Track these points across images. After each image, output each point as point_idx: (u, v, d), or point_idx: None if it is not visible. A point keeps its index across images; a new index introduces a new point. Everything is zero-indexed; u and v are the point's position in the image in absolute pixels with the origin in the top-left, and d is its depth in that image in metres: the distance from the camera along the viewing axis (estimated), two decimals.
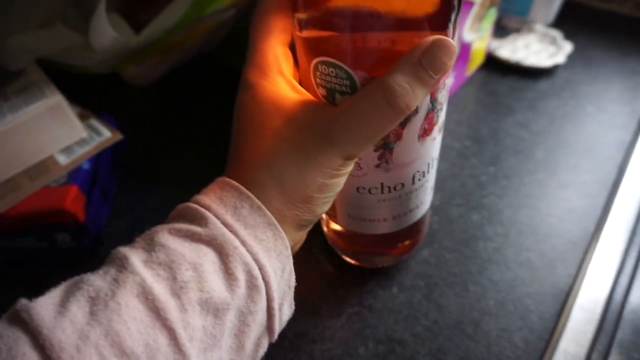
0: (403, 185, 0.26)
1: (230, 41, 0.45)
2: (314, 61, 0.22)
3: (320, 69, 0.22)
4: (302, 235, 0.24)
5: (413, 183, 0.26)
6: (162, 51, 0.39)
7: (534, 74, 0.50)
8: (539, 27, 0.54)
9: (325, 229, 0.33)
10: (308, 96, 0.23)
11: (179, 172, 0.41)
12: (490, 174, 0.40)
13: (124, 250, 0.20)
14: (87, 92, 0.41)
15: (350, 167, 0.22)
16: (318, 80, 0.22)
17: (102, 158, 0.37)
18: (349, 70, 0.21)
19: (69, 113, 0.34)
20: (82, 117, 0.37)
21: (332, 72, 0.21)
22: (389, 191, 0.26)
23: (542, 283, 0.32)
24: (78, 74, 0.40)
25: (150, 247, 0.20)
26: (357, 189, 0.26)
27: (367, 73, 0.21)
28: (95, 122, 0.37)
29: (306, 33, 0.21)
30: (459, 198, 0.38)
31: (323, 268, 0.34)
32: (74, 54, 0.35)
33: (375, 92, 0.20)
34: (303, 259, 0.33)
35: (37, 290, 0.19)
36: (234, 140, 0.23)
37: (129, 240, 0.21)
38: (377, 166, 0.24)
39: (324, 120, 0.21)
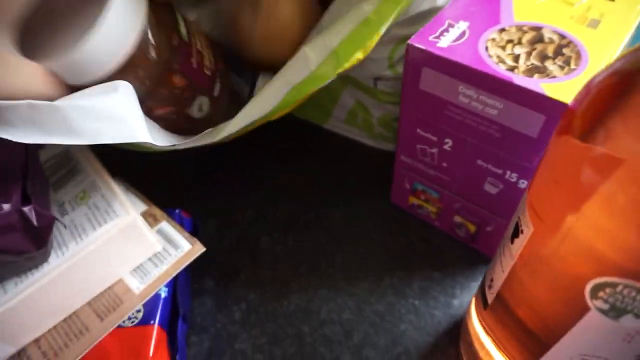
0: None
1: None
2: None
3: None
4: None
5: None
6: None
7: None
8: None
9: None
10: None
11: (260, 270, 0.34)
12: None
13: None
14: (130, 165, 0.34)
15: None
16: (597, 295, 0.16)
17: (180, 277, 0.30)
18: None
19: (144, 230, 0.27)
20: (150, 219, 0.30)
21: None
22: None
23: None
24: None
25: None
26: None
27: None
28: (167, 227, 0.30)
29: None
30: None
31: None
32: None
33: None
34: None
35: None
36: None
37: None
38: None
39: None
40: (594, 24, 0.25)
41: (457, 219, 0.33)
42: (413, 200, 0.35)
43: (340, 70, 0.26)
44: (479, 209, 0.31)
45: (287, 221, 0.37)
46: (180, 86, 0.29)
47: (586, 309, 0.16)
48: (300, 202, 0.38)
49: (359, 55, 0.26)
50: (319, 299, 0.32)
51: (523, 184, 0.27)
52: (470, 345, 0.27)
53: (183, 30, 0.29)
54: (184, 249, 0.29)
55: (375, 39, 0.26)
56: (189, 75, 0.29)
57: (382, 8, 0.25)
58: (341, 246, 0.35)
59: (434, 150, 0.30)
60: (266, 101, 0.27)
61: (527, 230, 0.18)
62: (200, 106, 0.31)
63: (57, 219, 0.24)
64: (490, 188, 0.29)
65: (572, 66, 0.23)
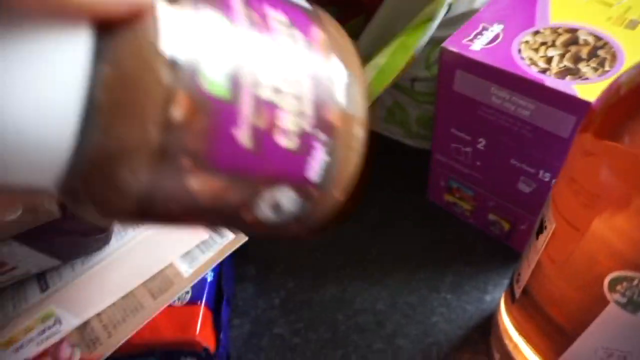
0: None
1: None
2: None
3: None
4: None
5: None
6: None
7: None
8: None
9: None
10: None
11: (299, 261, 0.36)
12: None
13: None
14: None
15: None
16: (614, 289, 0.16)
17: (225, 263, 0.32)
18: None
19: None
20: None
21: None
22: None
23: None
24: None
25: None
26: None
27: None
28: None
29: None
30: None
31: None
32: None
33: None
34: None
35: None
36: None
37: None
38: None
39: None
40: (633, 24, 0.26)
41: (492, 216, 0.34)
42: (449, 197, 0.36)
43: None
44: (513, 207, 0.32)
45: None
46: None
47: (606, 302, 0.17)
48: None
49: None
50: (354, 289, 0.34)
51: None
52: (499, 339, 0.28)
53: None
54: (229, 237, 0.31)
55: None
56: None
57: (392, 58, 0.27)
58: (377, 239, 0.37)
59: (468, 149, 0.31)
60: None
61: (550, 226, 0.19)
62: None
63: None
64: (523, 187, 0.30)
65: (607, 68, 0.24)
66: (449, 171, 0.34)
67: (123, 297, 0.29)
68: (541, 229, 0.20)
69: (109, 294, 0.29)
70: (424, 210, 0.38)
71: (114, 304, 0.29)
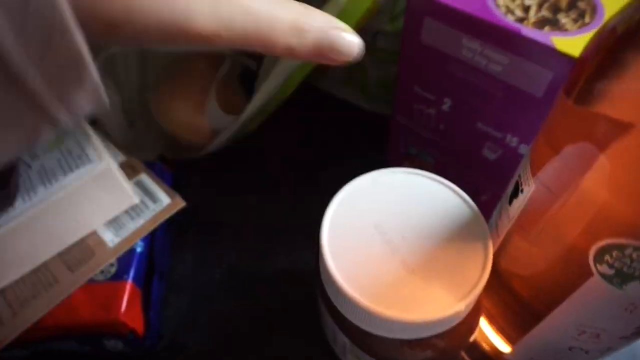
0: None
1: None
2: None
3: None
4: None
5: None
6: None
7: None
8: None
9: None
10: None
11: (246, 228, 0.33)
12: None
13: None
14: None
15: None
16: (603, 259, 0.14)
17: (158, 233, 0.28)
18: None
19: (119, 179, 0.26)
20: (129, 170, 0.28)
21: None
22: None
23: None
24: None
25: None
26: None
27: None
28: (146, 179, 0.28)
29: None
30: None
31: None
32: None
33: None
34: None
35: None
36: None
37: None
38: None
39: None
40: None
41: None
42: (407, 165, 0.34)
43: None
44: (476, 176, 0.30)
45: (273, 180, 0.36)
46: None
47: (588, 274, 0.15)
48: (291, 160, 0.37)
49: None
50: (306, 260, 0.31)
51: (524, 149, 0.26)
52: None
53: None
54: (163, 203, 0.27)
55: None
56: None
57: None
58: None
59: (432, 110, 0.28)
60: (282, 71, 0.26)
61: (528, 188, 0.16)
62: None
63: (20, 159, 0.22)
64: (488, 154, 0.28)
65: (587, 20, 0.21)
66: (409, 136, 0.31)
67: (33, 270, 0.25)
68: (516, 193, 0.18)
69: (14, 266, 0.24)
70: None
71: (21, 278, 0.25)
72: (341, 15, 0.24)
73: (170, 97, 0.30)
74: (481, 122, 0.26)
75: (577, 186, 0.14)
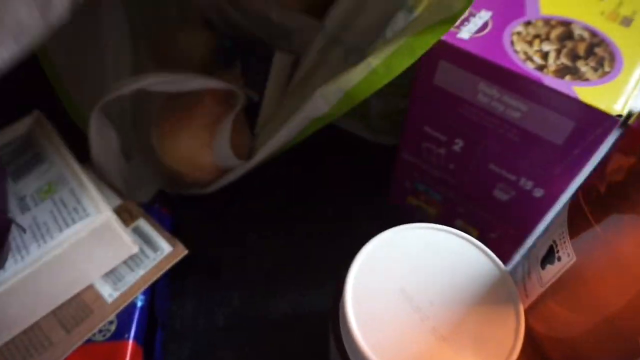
0: None
1: None
2: None
3: None
4: None
5: None
6: None
7: None
8: None
9: None
10: None
11: (248, 269, 0.32)
12: None
13: None
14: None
15: None
16: None
17: (159, 283, 0.27)
18: None
19: (119, 230, 0.24)
20: (126, 216, 0.27)
21: None
22: None
23: None
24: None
25: None
26: None
27: None
28: (145, 226, 0.27)
29: None
30: None
31: None
32: None
33: None
34: None
35: None
36: None
37: None
38: None
39: None
40: (627, 22, 0.23)
41: (459, 222, 0.31)
42: (412, 200, 0.33)
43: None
44: (484, 214, 0.29)
45: (275, 215, 0.34)
46: None
47: (636, 351, 0.14)
48: (291, 194, 0.36)
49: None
50: (309, 302, 0.30)
51: (538, 192, 0.25)
52: None
53: None
54: (165, 251, 0.26)
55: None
56: None
57: (390, 61, 0.23)
58: (332, 243, 0.33)
59: (442, 150, 0.28)
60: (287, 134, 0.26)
61: (568, 259, 0.16)
62: None
63: (14, 222, 0.21)
64: (500, 194, 0.27)
65: (607, 68, 0.21)
66: (417, 173, 0.31)
67: (25, 332, 0.23)
68: (551, 259, 0.17)
69: (4, 327, 0.23)
70: (383, 211, 0.35)
71: (12, 340, 0.23)
72: (372, 76, 0.23)
73: (174, 133, 0.29)
74: (494, 163, 0.26)
75: (624, 262, 0.14)
